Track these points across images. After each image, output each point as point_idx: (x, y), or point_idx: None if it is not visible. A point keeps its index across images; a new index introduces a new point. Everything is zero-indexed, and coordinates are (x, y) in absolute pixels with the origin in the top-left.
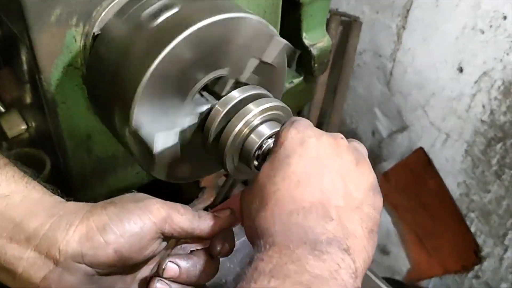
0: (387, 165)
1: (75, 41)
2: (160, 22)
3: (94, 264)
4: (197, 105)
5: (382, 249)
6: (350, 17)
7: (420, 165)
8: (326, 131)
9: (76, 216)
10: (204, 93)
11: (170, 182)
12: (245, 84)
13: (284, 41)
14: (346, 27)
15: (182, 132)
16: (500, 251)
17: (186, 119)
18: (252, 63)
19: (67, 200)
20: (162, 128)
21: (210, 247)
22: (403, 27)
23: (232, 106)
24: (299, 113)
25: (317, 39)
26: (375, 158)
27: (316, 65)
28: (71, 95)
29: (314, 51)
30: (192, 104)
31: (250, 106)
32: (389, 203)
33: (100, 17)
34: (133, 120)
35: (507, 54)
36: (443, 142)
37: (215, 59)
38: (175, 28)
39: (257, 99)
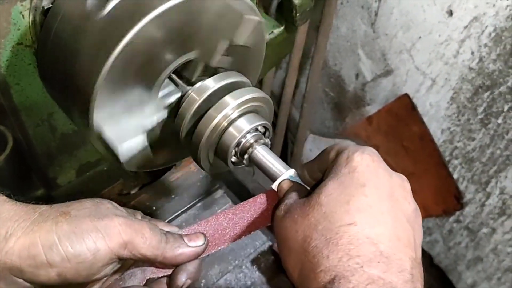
0: (371, 109)
1: (23, 17)
2: (120, 2)
3: (34, 282)
4: (165, 97)
5: None
6: None
7: (404, 110)
8: (309, 72)
9: (19, 226)
10: (173, 76)
11: None
12: (218, 68)
13: (257, 19)
14: None
15: (151, 130)
16: (482, 198)
17: (154, 116)
18: (222, 45)
19: (7, 196)
20: (127, 128)
21: (170, 280)
22: None
23: (208, 95)
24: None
25: None
26: (358, 102)
27: (298, 14)
28: (25, 74)
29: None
30: (160, 97)
31: (228, 98)
32: (371, 145)
33: None
34: (93, 123)
35: None
36: (428, 87)
37: (183, 42)
38: (137, 10)
39: (235, 88)
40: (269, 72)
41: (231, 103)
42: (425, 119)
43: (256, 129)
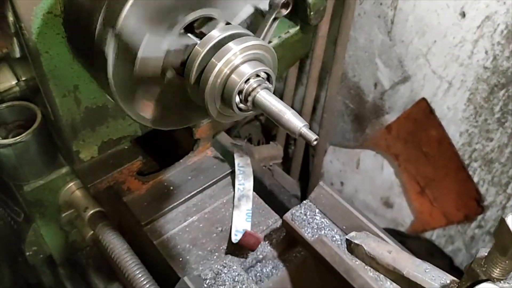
0: (390, 118)
1: None
2: None
3: None
4: (182, 40)
5: (386, 202)
6: None
7: (422, 115)
8: (328, 84)
9: None
10: (189, 35)
11: (166, 135)
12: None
13: None
14: None
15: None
16: (503, 200)
17: (173, 41)
18: (247, 10)
19: None
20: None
21: None
22: None
23: (212, 46)
24: (300, 67)
25: None
26: (377, 111)
27: (312, 13)
28: (54, 43)
29: None
30: (178, 37)
31: (230, 44)
32: (391, 154)
33: None
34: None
35: None
36: (445, 91)
37: None
38: None
39: (238, 38)
40: (290, 86)
41: (233, 49)
42: (443, 123)
43: (259, 75)
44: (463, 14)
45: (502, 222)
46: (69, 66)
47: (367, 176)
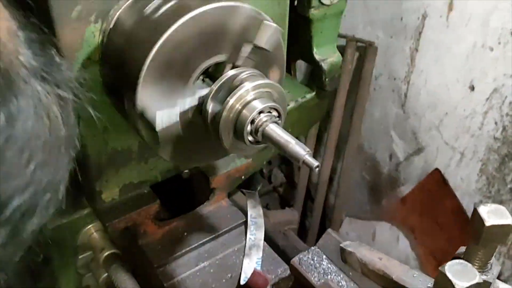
0: (405, 190)
1: (94, 36)
2: (162, 12)
3: None
4: (198, 89)
5: None
6: (365, 42)
7: (436, 186)
8: (345, 156)
9: None
10: (206, 79)
11: (183, 182)
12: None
13: (274, 25)
14: (362, 52)
15: (184, 114)
16: None
17: (187, 100)
18: (246, 48)
19: None
20: (164, 109)
21: None
22: (416, 50)
23: (228, 86)
24: (318, 139)
25: (327, 54)
26: (393, 183)
27: (327, 79)
28: (89, 87)
29: (324, 65)
30: (193, 89)
31: (244, 83)
32: (407, 226)
33: (117, 15)
34: (138, 101)
35: None
36: (458, 161)
37: (213, 45)
38: (174, 16)
39: (250, 77)
40: None
41: (245, 87)
42: (457, 194)
43: (269, 112)
44: (472, 88)
45: (474, 211)
46: (101, 109)
47: (383, 249)
